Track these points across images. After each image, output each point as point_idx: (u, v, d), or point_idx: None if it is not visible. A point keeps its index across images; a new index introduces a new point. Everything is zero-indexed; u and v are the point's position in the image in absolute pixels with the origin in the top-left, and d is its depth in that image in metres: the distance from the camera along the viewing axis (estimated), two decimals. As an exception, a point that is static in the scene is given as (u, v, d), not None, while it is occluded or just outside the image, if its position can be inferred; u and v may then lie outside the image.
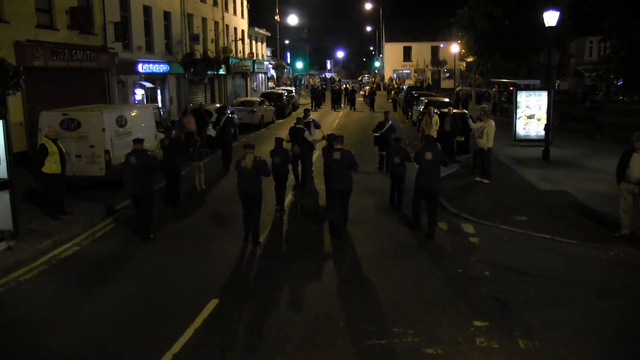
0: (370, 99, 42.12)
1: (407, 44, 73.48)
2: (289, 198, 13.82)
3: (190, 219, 12.48)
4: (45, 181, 11.82)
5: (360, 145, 22.14)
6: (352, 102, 43.65)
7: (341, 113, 39.74)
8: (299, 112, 32.44)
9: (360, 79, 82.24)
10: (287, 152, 13.00)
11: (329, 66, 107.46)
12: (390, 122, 16.89)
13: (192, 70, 30.67)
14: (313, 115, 18.63)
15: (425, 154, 11.03)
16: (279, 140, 12.96)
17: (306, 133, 14.88)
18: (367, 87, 54.51)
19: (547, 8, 18.15)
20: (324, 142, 12.31)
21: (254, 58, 48.41)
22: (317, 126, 15.87)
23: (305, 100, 48.44)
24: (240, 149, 12.53)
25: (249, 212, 10.53)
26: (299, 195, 14.40)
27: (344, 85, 54.11)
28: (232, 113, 21.75)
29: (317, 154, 16.59)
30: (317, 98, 42.97)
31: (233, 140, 18.88)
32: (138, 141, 11.33)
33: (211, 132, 20.82)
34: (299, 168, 14.98)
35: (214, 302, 7.90)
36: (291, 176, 14.25)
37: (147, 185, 11.04)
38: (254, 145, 10.81)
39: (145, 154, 11.24)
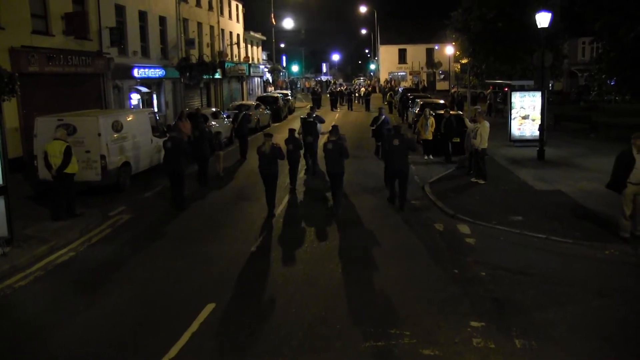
0: (365, 99, 45.02)
1: (402, 47, 73.60)
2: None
3: (191, 218, 12.51)
4: (68, 181, 12.33)
5: (359, 138, 24.05)
6: (349, 103, 46.14)
7: (339, 113, 40.89)
8: (295, 116, 32.97)
9: (354, 82, 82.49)
10: (299, 141, 15.32)
11: (324, 69, 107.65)
12: (384, 116, 19.14)
13: (188, 74, 30.69)
14: (315, 114, 21.00)
15: (394, 141, 12.86)
16: (291, 131, 15.14)
17: (318, 125, 17.85)
18: (363, 89, 55.20)
19: (539, 10, 18.24)
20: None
21: (250, 62, 48.47)
22: (322, 121, 18.84)
23: (301, 104, 48.75)
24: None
25: (269, 188, 12.63)
26: (308, 176, 17.13)
27: (340, 88, 55.16)
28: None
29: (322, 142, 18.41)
30: (317, 100, 44.39)
31: (249, 135, 22.05)
32: (172, 129, 14.70)
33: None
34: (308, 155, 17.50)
35: (210, 306, 7.90)
36: (303, 160, 16.71)
37: (180, 165, 13.44)
38: (272, 135, 13.09)
39: (179, 139, 13.83)
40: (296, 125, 17.92)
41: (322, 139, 18.22)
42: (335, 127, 13.51)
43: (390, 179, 13.32)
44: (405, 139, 13.10)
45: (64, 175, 12.22)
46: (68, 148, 12.22)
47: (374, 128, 19.34)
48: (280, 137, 15.03)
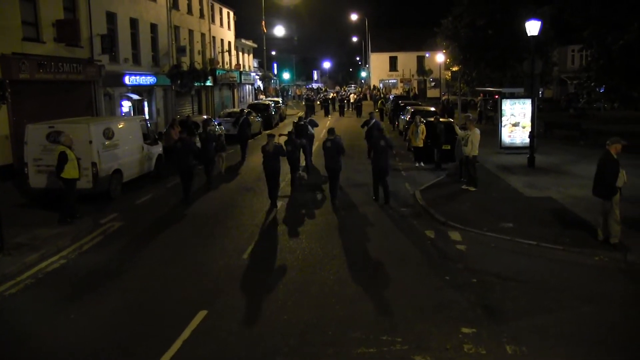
0: (356, 106, 46.22)
1: (392, 54, 73.98)
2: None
3: (184, 225, 12.47)
4: (66, 186, 12.58)
5: (351, 142, 24.70)
6: (341, 109, 47.62)
7: (331, 120, 41.51)
8: (286, 123, 33.29)
9: (344, 88, 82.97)
10: (296, 142, 16.64)
11: (315, 77, 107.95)
12: (374, 120, 20.77)
13: (179, 82, 30.64)
14: (308, 120, 22.51)
15: (380, 142, 14.43)
16: (290, 133, 16.74)
17: (309, 128, 19.96)
18: (352, 95, 56.22)
19: (529, 18, 18.43)
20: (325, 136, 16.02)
21: (241, 69, 48.54)
22: (316, 125, 21.36)
23: (292, 111, 48.96)
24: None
25: (271, 184, 14.06)
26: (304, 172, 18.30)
27: (331, 94, 56.40)
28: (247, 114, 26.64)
29: (317, 144, 21.22)
30: (310, 106, 45.41)
31: (249, 138, 24.14)
32: (183, 131, 16.93)
33: (198, 143, 21.04)
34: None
35: (202, 313, 7.88)
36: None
37: (189, 164, 14.90)
38: (275, 135, 14.81)
39: (189, 140, 15.49)
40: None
41: (317, 140, 21.59)
42: (332, 129, 15.17)
43: (375, 176, 14.49)
44: (388, 141, 14.72)
45: (62, 180, 12.49)
46: (62, 153, 12.41)
47: (365, 129, 20.91)
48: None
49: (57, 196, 13.36)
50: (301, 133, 18.98)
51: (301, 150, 18.01)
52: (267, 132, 16.27)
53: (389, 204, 14.09)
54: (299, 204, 14.83)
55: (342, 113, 46.97)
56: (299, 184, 16.41)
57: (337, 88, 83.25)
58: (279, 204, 14.39)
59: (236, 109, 36.45)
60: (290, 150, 15.86)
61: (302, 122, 20.13)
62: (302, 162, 18.89)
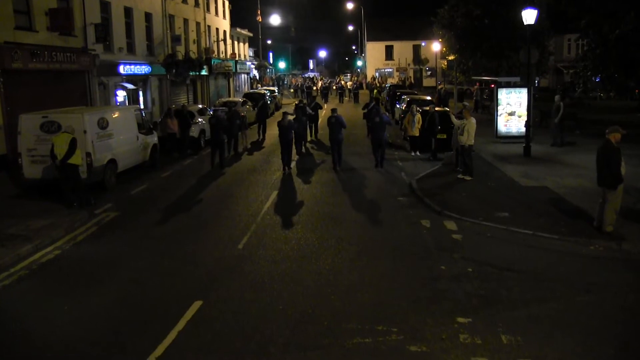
0: (354, 93, 50.79)
1: (388, 43, 73.67)
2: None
3: (178, 215, 12.42)
4: (72, 171, 12.98)
5: (350, 125, 24.78)
6: (340, 97, 51.40)
7: (329, 106, 41.32)
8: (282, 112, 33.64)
9: (340, 78, 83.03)
10: (303, 121, 20.27)
11: (311, 66, 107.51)
12: (373, 103, 23.15)
13: (174, 71, 30.45)
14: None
15: (375, 118, 17.63)
16: (297, 112, 20.57)
17: (307, 109, 23.17)
18: (350, 83, 57.52)
19: (525, 7, 18.34)
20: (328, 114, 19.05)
21: (236, 58, 48.27)
22: (320, 107, 26.80)
23: (288, 100, 48.95)
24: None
25: (285, 151, 17.30)
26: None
27: (319, 84, 58.37)
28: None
29: (320, 121, 26.39)
30: (310, 94, 46.72)
31: (267, 118, 27.74)
32: (216, 110, 22.01)
33: (194, 133, 21.15)
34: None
35: (197, 304, 7.87)
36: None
37: (221, 136, 18.17)
38: (288, 112, 18.72)
39: (221, 117, 18.87)
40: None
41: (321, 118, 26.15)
42: (335, 108, 18.50)
43: (374, 147, 17.71)
44: (383, 118, 17.61)
45: (68, 166, 12.72)
46: (74, 139, 12.82)
47: (365, 111, 23.19)
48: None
49: (58, 187, 13.31)
50: (301, 113, 21.42)
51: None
52: (282, 111, 21.15)
53: (383, 168, 17.34)
54: (304, 171, 17.47)
55: (341, 100, 49.89)
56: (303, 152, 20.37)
57: (321, 76, 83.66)
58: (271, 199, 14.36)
59: (232, 98, 36.37)
60: (296, 127, 18.94)
61: (302, 105, 23.17)
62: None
